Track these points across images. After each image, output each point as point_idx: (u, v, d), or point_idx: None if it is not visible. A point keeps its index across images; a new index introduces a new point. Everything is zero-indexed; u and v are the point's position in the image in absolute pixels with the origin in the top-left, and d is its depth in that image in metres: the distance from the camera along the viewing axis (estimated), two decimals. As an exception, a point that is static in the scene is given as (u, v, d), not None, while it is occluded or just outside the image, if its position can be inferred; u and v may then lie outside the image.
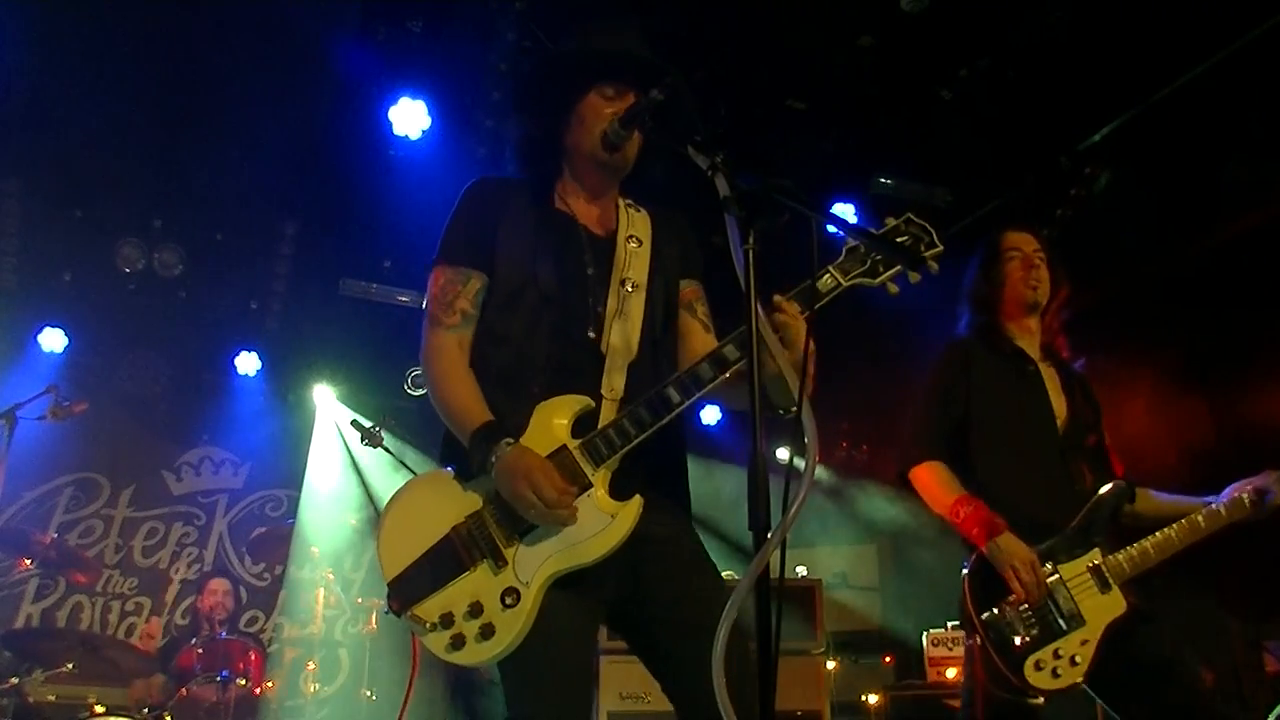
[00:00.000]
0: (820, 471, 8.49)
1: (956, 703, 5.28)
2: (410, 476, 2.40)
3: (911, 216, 2.24)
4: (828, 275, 2.18)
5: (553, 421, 2.17)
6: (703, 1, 5.04)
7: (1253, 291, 5.25)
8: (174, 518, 7.66)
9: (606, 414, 2.19)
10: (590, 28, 2.42)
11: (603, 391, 2.20)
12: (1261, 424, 5.14)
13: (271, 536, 6.69)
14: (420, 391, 7.99)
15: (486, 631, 2.08)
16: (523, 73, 2.51)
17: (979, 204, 6.13)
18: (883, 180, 6.20)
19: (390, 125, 5.82)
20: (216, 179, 6.33)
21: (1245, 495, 2.97)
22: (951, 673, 5.59)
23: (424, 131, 5.85)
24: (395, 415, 7.57)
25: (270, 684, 5.73)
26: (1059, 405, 3.09)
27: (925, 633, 5.89)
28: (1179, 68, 5.01)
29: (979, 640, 2.82)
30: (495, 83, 5.59)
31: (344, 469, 7.83)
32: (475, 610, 2.09)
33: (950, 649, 5.73)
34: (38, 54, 5.24)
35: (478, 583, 2.11)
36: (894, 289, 2.20)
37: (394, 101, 5.77)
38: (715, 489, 6.76)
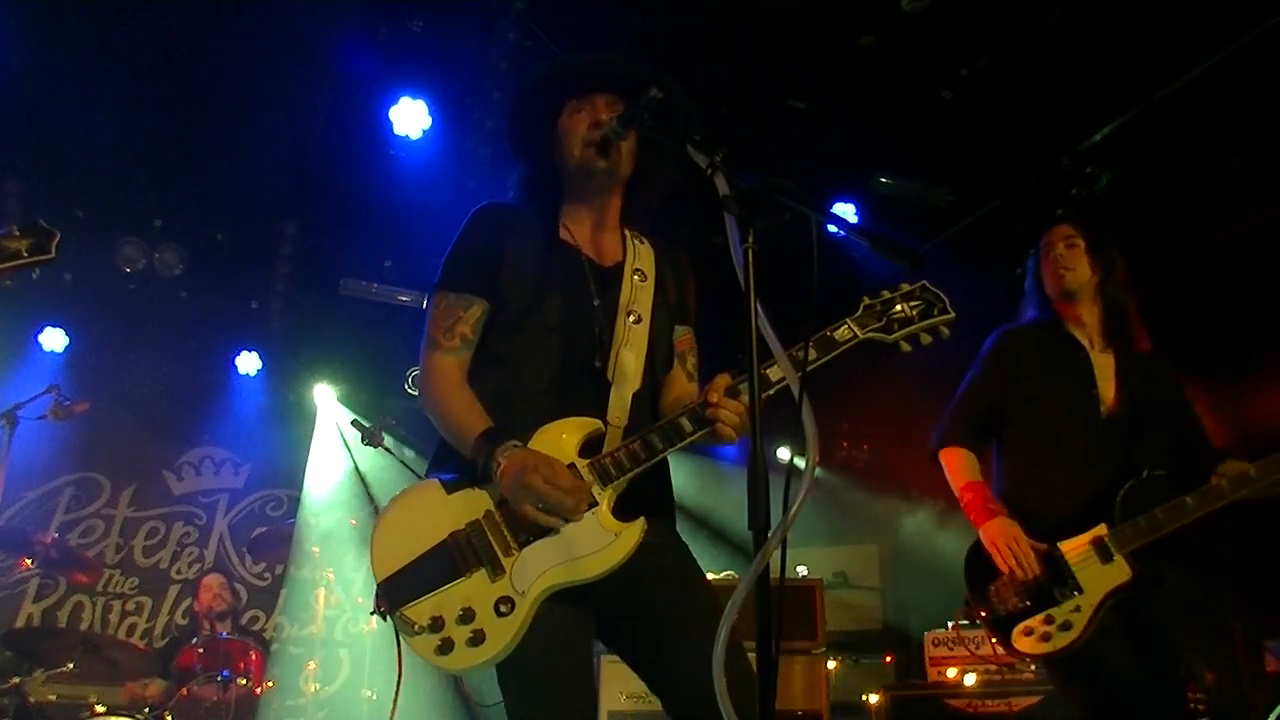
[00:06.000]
0: (820, 471, 8.50)
1: (957, 703, 5.31)
2: (411, 476, 2.40)
3: (927, 284, 2.32)
4: (845, 327, 2.25)
5: (561, 438, 2.17)
6: (704, 1, 5.04)
7: (1253, 291, 5.24)
8: (174, 517, 7.66)
9: (611, 440, 2.21)
10: (542, 68, 2.50)
11: (608, 419, 2.22)
12: (1262, 424, 5.13)
13: (272, 536, 6.69)
14: (420, 391, 7.99)
15: (477, 638, 2.07)
16: (505, 129, 2.56)
17: (979, 204, 6.13)
18: (883, 180, 6.20)
19: (390, 125, 5.82)
20: (216, 179, 6.33)
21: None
22: (952, 672, 5.58)
23: (424, 131, 5.85)
24: (395, 415, 7.59)
25: (270, 684, 5.73)
26: (1106, 392, 3.11)
27: (926, 632, 5.88)
28: (1179, 68, 5.01)
29: (979, 613, 3.01)
30: (495, 82, 5.59)
31: (344, 469, 7.82)
32: (467, 616, 2.08)
33: (951, 649, 5.71)
34: (38, 54, 5.24)
35: (472, 589, 2.10)
36: (906, 347, 2.29)
37: (394, 101, 5.78)
38: (716, 489, 6.75)
